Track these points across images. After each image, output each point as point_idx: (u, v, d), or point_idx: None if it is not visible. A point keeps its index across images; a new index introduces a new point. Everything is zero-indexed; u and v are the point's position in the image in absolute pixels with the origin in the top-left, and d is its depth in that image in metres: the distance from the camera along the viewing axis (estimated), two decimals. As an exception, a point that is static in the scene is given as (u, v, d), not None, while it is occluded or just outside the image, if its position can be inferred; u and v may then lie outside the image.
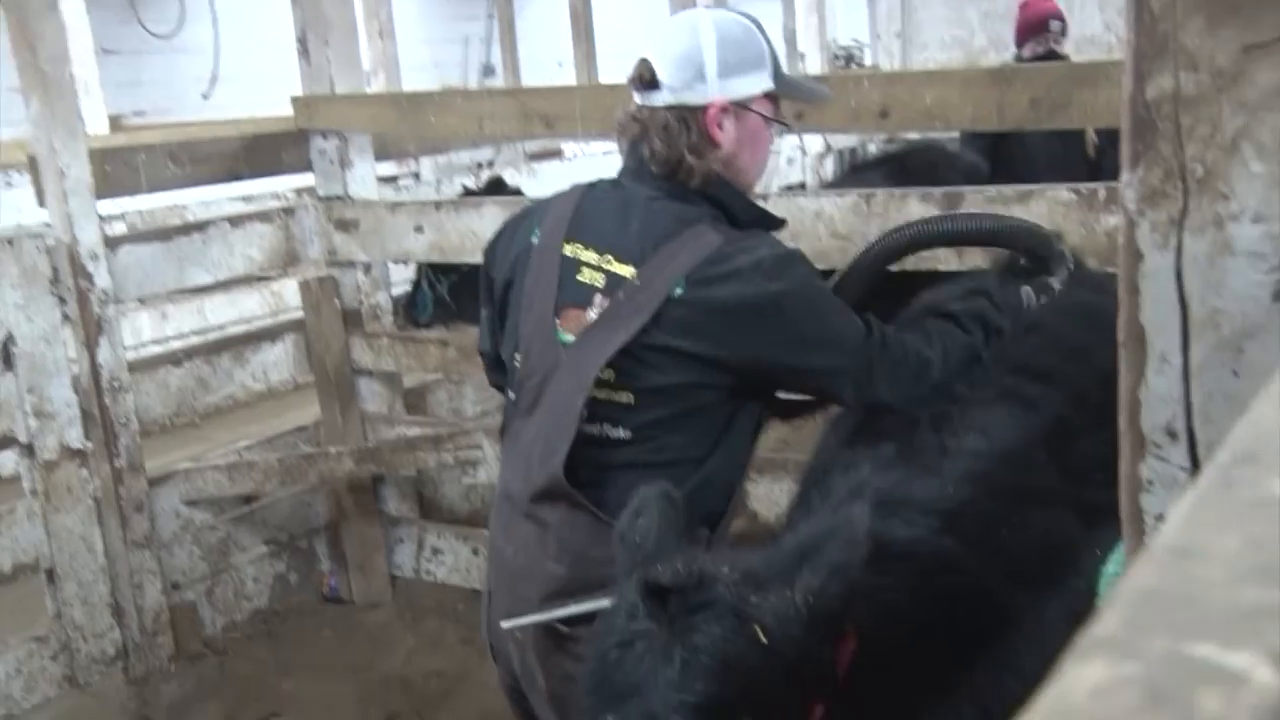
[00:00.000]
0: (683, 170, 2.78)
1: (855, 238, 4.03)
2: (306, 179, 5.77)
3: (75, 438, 4.73)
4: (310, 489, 5.73)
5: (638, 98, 2.82)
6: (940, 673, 2.13)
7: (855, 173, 8.02)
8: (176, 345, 7.72)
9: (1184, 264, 1.36)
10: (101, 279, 4.76)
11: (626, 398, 2.73)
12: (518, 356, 2.89)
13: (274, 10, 7.25)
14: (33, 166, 4.76)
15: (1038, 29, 7.13)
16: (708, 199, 2.82)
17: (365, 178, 5.64)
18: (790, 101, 3.06)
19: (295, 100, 5.51)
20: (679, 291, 2.65)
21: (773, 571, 2.05)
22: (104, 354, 4.79)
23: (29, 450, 4.63)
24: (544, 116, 4.77)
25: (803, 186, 9.54)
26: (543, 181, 7.30)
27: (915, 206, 3.95)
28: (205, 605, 5.33)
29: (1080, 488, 2.24)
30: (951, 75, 4.58)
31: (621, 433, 2.75)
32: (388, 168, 8.40)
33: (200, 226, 5.35)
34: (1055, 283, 2.93)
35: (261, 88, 10.78)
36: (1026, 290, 2.91)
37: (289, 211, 5.59)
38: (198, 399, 6.33)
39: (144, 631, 4.93)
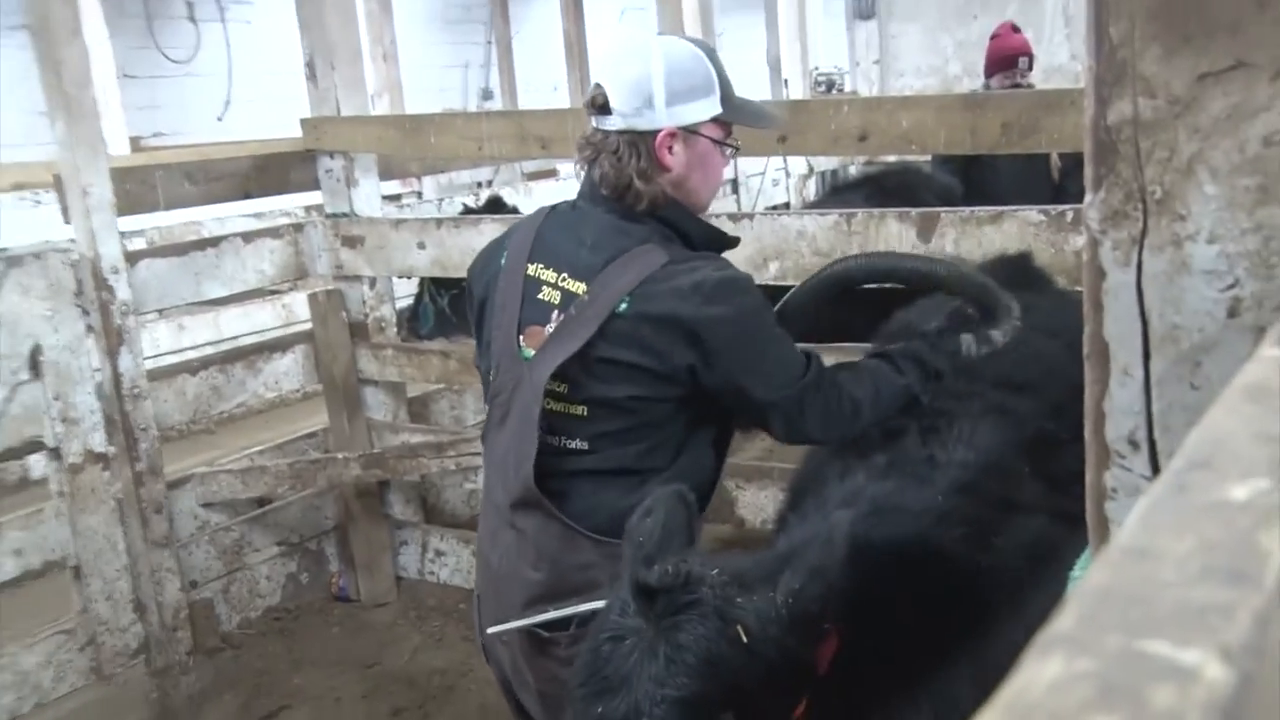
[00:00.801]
0: (630, 194, 2.75)
1: (836, 254, 4.02)
2: (315, 197, 5.79)
3: (99, 442, 4.73)
4: (320, 493, 5.72)
5: (593, 121, 2.80)
6: (925, 670, 2.14)
7: (836, 193, 8.04)
8: (193, 355, 7.71)
9: (1144, 281, 1.36)
10: (122, 292, 4.76)
11: (580, 410, 2.73)
12: (492, 372, 2.89)
13: (283, 37, 7.24)
14: (58, 186, 4.78)
15: (1006, 64, 7.18)
16: (658, 219, 2.79)
17: (370, 196, 5.65)
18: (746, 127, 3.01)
19: (303, 122, 5.52)
20: (623, 307, 2.64)
21: (760, 574, 2.06)
22: (125, 363, 4.79)
23: (56, 454, 4.64)
24: (540, 138, 4.77)
25: (787, 206, 9.54)
26: (539, 200, 7.25)
27: (893, 225, 3.96)
28: (221, 602, 5.34)
29: (1063, 497, 2.24)
30: (927, 101, 4.59)
31: (579, 444, 2.75)
32: (392, 186, 8.42)
33: (214, 242, 5.35)
34: (998, 335, 2.89)
35: (272, 110, 10.81)
36: (967, 339, 2.87)
37: (298, 228, 5.59)
38: (213, 406, 6.29)
39: (164, 626, 4.93)
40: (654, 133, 2.72)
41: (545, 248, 2.83)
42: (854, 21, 14.30)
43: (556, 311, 2.74)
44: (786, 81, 11.35)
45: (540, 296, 2.78)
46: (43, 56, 4.59)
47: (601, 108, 2.75)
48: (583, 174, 2.90)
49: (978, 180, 6.48)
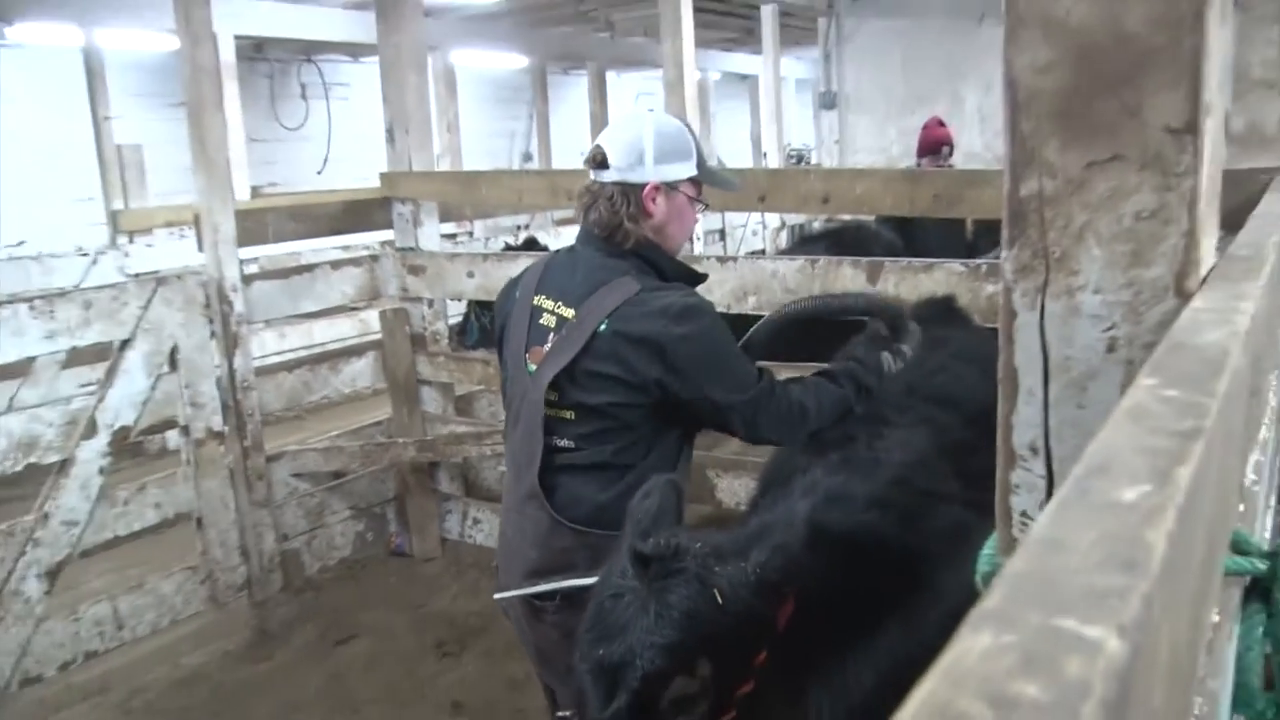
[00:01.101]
0: (620, 233, 2.74)
1: (802, 291, 4.03)
2: (388, 234, 5.78)
3: (217, 423, 4.76)
4: (383, 469, 5.72)
5: (592, 175, 2.79)
6: (864, 628, 2.12)
7: (803, 244, 8.06)
8: (289, 357, 7.73)
9: (1046, 322, 1.36)
10: (239, 306, 4.78)
11: (568, 414, 2.70)
12: (507, 383, 2.89)
13: (370, 110, 7.27)
14: (196, 224, 4.85)
15: (934, 148, 7.37)
16: (639, 257, 2.77)
17: (432, 235, 5.65)
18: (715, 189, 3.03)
19: (383, 176, 5.53)
20: (603, 327, 2.63)
21: (735, 548, 2.06)
22: (239, 361, 4.80)
23: (186, 430, 4.70)
24: (568, 191, 4.77)
25: (763, 253, 9.55)
26: (566, 240, 7.25)
27: (847, 270, 3.95)
28: (306, 552, 5.34)
29: (976, 491, 2.24)
30: (876, 174, 4.59)
31: (567, 442, 2.72)
32: (449, 227, 8.42)
33: (309, 269, 5.36)
34: (906, 350, 2.91)
35: (359, 167, 10.84)
36: (886, 357, 2.87)
37: (374, 259, 5.60)
38: (303, 398, 6.30)
39: (262, 569, 4.94)
40: (642, 185, 2.73)
41: (548, 282, 2.82)
42: (820, 110, 14.32)
43: (552, 334, 2.73)
44: (765, 154, 11.43)
45: (541, 321, 2.77)
46: (192, 128, 4.70)
47: (600, 163, 2.75)
48: (580, 218, 2.89)
49: (909, 236, 6.51)
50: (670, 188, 2.78)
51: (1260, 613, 1.22)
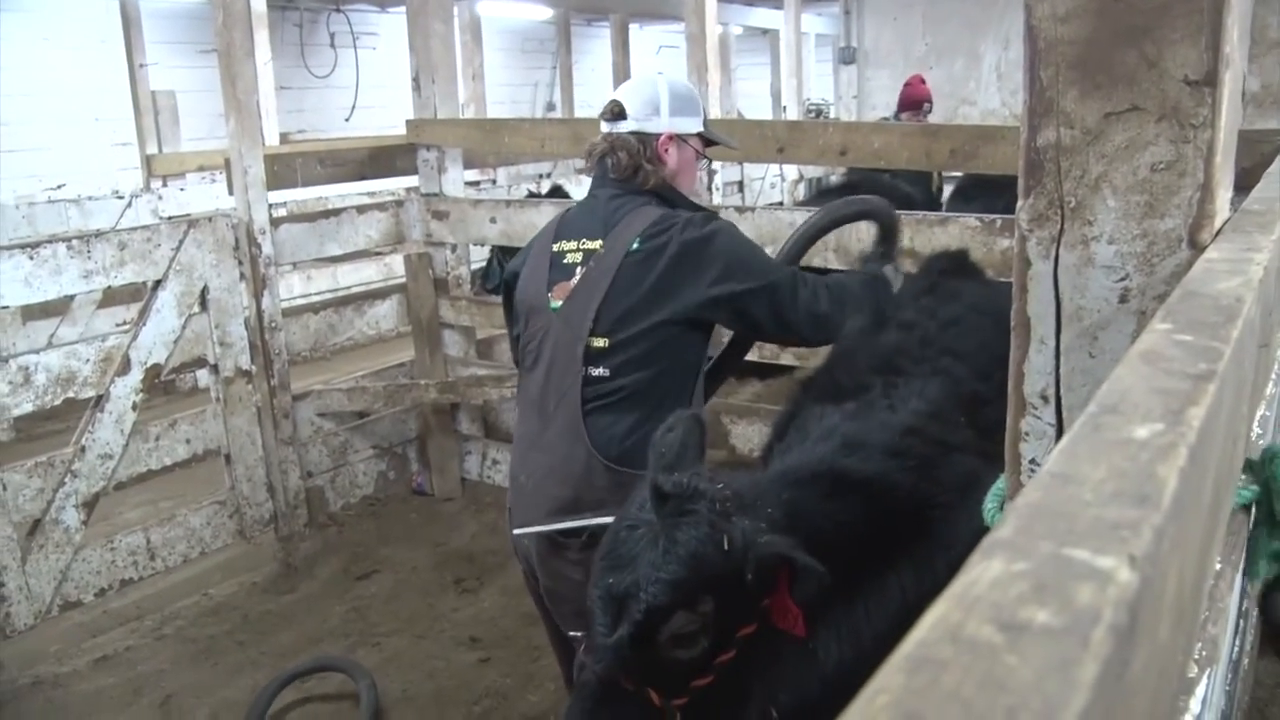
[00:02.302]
0: (640, 175, 2.83)
1: (818, 243, 4.00)
2: (413, 180, 5.76)
3: (245, 362, 4.77)
4: (406, 410, 5.72)
5: (606, 127, 2.89)
6: (876, 573, 2.12)
7: (821, 195, 8.00)
8: (315, 299, 7.74)
9: (1060, 271, 1.34)
10: (267, 248, 4.78)
11: (602, 342, 2.68)
12: (520, 328, 2.88)
13: (397, 58, 7.22)
14: (227, 168, 4.85)
15: (915, 105, 7.53)
16: (656, 195, 2.85)
17: (456, 181, 5.63)
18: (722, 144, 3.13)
19: (408, 123, 5.50)
20: (635, 246, 2.67)
21: (753, 494, 2.08)
22: (266, 303, 4.81)
23: (215, 369, 4.72)
24: (590, 140, 4.73)
25: (781, 205, 9.49)
26: (588, 188, 7.25)
27: (863, 223, 3.92)
28: (330, 490, 5.36)
29: (987, 442, 2.22)
30: (894, 128, 4.53)
31: (601, 370, 2.69)
32: (473, 174, 8.39)
33: (336, 213, 5.35)
34: (898, 266, 3.04)
35: (386, 114, 10.79)
36: (889, 269, 2.96)
37: (399, 204, 5.58)
38: (329, 339, 6.34)
39: (288, 504, 4.97)
40: (657, 135, 2.84)
41: (567, 228, 2.87)
42: (839, 66, 14.19)
43: (580, 268, 2.74)
44: (785, 108, 11.29)
45: (565, 261, 2.79)
46: (224, 72, 4.68)
47: (618, 115, 2.86)
48: (594, 168, 2.95)
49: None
50: (681, 140, 2.88)
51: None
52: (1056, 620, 0.37)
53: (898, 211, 3.15)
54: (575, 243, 2.80)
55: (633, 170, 2.83)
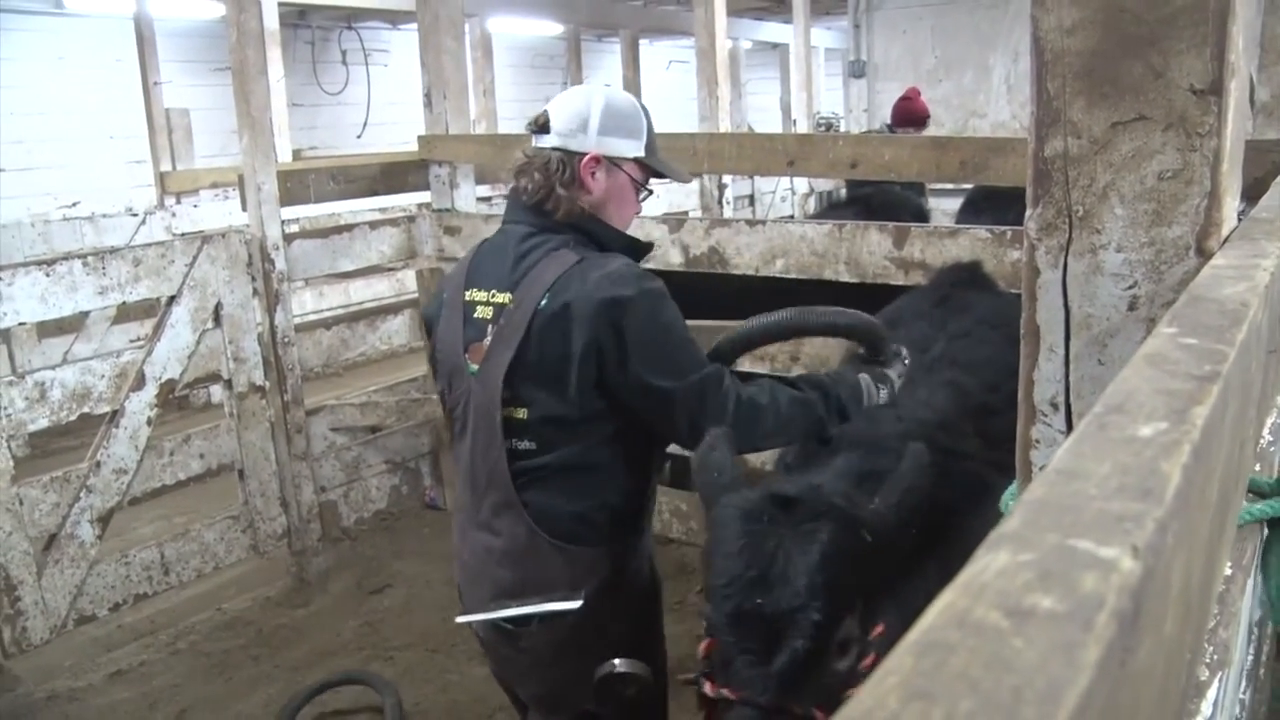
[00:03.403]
0: (551, 200, 2.45)
1: (829, 256, 4.01)
2: (425, 196, 5.79)
3: (259, 377, 4.80)
4: (418, 424, 5.74)
5: (534, 141, 2.52)
6: (912, 571, 2.11)
7: (832, 209, 8.00)
8: (328, 315, 7.79)
9: (1068, 279, 1.36)
10: (280, 264, 4.80)
11: (522, 413, 2.38)
12: (445, 390, 2.58)
13: (409, 75, 7.27)
14: (240, 184, 4.86)
15: (915, 123, 7.50)
16: (574, 229, 2.48)
17: (467, 196, 5.65)
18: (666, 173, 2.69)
19: (420, 139, 5.53)
20: (544, 303, 2.34)
21: (852, 487, 2.04)
22: (280, 318, 4.83)
23: (229, 384, 4.74)
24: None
25: (791, 218, 9.50)
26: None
27: (874, 235, 3.93)
28: (343, 504, 5.38)
29: (996, 451, 2.21)
30: (904, 140, 4.55)
31: (527, 444, 2.39)
32: (484, 190, 8.41)
33: (348, 229, 5.38)
34: (893, 375, 2.56)
35: (397, 131, 10.85)
36: (864, 377, 2.51)
37: (411, 219, 5.61)
38: (341, 354, 6.36)
39: (301, 519, 4.99)
40: (581, 155, 2.46)
41: (477, 273, 2.52)
42: (849, 79, 14.24)
43: (491, 325, 2.42)
44: (795, 121, 11.31)
45: (476, 315, 2.46)
46: (237, 90, 4.72)
47: (542, 127, 2.49)
48: (510, 189, 2.62)
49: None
50: (613, 164, 2.50)
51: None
52: (1061, 606, 0.38)
53: (876, 322, 2.62)
54: (486, 294, 2.47)
55: (545, 194, 2.46)
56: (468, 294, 2.49)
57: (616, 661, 2.37)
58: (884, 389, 2.52)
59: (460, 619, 2.53)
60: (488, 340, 2.41)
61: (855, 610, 1.84)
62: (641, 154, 2.54)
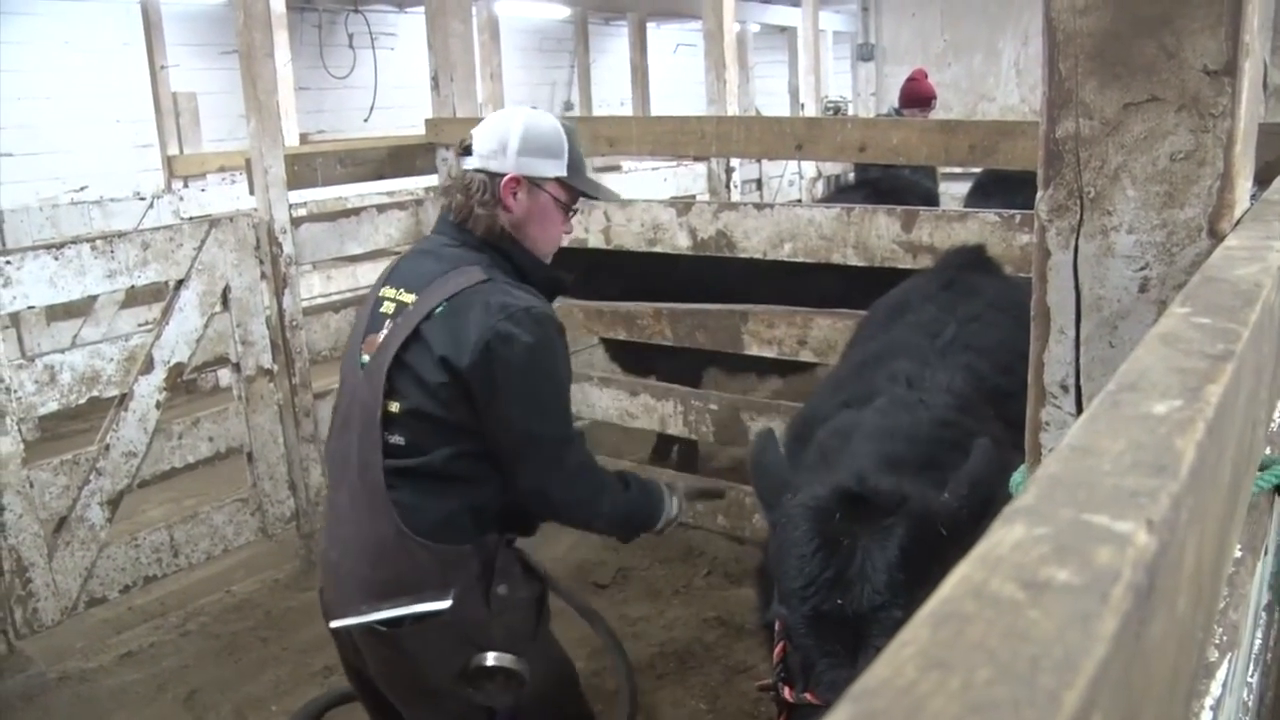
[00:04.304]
0: (471, 219, 2.57)
1: (837, 240, 4.01)
2: (432, 180, 5.79)
3: (267, 361, 4.80)
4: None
5: (460, 163, 2.65)
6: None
7: (840, 193, 7.99)
8: (336, 298, 7.78)
9: (1079, 261, 1.35)
10: (288, 247, 4.80)
11: (395, 406, 2.43)
12: (340, 388, 2.66)
13: (416, 58, 7.26)
14: (248, 168, 4.86)
15: (921, 103, 7.57)
16: (495, 250, 2.58)
17: (476, 181, 5.64)
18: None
19: (427, 122, 5.53)
20: (438, 310, 2.42)
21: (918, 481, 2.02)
22: (287, 302, 4.84)
23: (237, 368, 4.74)
24: (608, 139, 4.75)
25: (799, 202, 9.48)
26: (609, 187, 7.27)
27: (882, 218, 3.93)
28: (351, 486, 5.38)
29: (1015, 433, 2.21)
30: (912, 124, 4.53)
31: (397, 439, 2.43)
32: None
33: (356, 212, 5.37)
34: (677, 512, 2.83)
35: (404, 114, 10.84)
36: (677, 499, 2.82)
37: (418, 203, 5.59)
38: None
39: (309, 501, 5.00)
40: (502, 175, 2.56)
41: (398, 273, 2.61)
42: (857, 63, 14.18)
43: (389, 320, 2.50)
44: (803, 105, 11.27)
45: (381, 310, 2.55)
46: (244, 73, 4.70)
47: (466, 150, 2.62)
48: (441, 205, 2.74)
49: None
50: (534, 185, 2.59)
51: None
52: (1077, 578, 0.38)
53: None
54: (395, 291, 2.55)
55: (466, 214, 2.58)
56: (382, 290, 2.59)
57: (488, 655, 2.42)
58: (678, 510, 2.80)
59: (334, 624, 2.52)
60: (383, 334, 2.49)
61: None
62: (564, 174, 2.62)
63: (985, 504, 1.91)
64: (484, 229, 2.57)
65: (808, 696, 1.83)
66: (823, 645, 1.80)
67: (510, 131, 2.58)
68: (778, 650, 1.95)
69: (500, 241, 2.59)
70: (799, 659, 1.87)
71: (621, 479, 2.69)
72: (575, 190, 2.68)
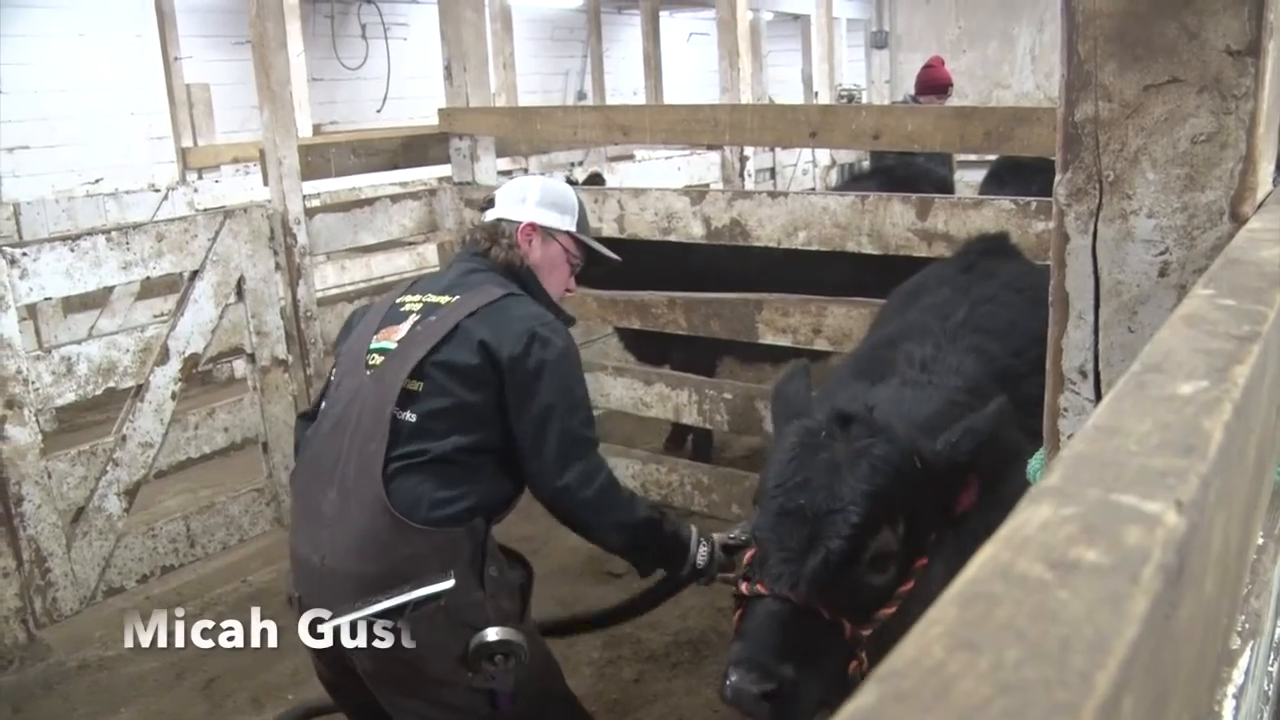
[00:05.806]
0: (494, 250, 2.83)
1: (851, 228, 3.99)
2: (446, 170, 5.78)
3: (281, 351, 4.81)
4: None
5: (482, 216, 2.98)
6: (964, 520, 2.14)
7: (855, 181, 7.95)
8: (350, 289, 7.80)
9: (1098, 245, 1.34)
10: (302, 238, 4.82)
11: (416, 385, 2.53)
12: (330, 387, 2.73)
13: (429, 48, 7.25)
14: (262, 159, 4.88)
15: (938, 90, 7.59)
16: (514, 278, 2.80)
17: (488, 169, 5.63)
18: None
19: (441, 112, 5.51)
20: (484, 308, 2.60)
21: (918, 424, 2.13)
22: (302, 292, 4.85)
23: (252, 358, 4.75)
24: (622, 127, 4.73)
25: (813, 190, 9.45)
26: (619, 177, 7.26)
27: (897, 207, 3.91)
28: (366, 476, 5.39)
29: (1027, 417, 2.21)
30: (927, 111, 4.51)
31: (409, 415, 2.51)
32: (505, 163, 8.40)
33: (369, 203, 5.38)
34: (706, 566, 2.78)
35: (417, 104, 10.84)
36: (705, 550, 2.77)
37: (432, 193, 5.60)
38: (365, 329, 6.37)
39: (323, 493, 5.01)
40: (518, 223, 2.86)
41: (420, 285, 2.84)
42: (871, 50, 14.13)
43: (415, 316, 2.64)
44: (816, 94, 11.24)
45: (402, 309, 2.70)
46: (257, 64, 4.72)
47: (489, 204, 2.97)
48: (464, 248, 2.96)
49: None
50: (548, 234, 2.89)
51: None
52: (1106, 559, 0.37)
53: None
54: (418, 297, 2.72)
55: (489, 248, 2.84)
56: (398, 299, 2.77)
57: (489, 631, 2.45)
58: (708, 564, 2.78)
59: (331, 622, 2.43)
60: (405, 326, 2.63)
61: (896, 526, 1.91)
62: (573, 229, 2.94)
63: (971, 453, 2.00)
64: (505, 260, 2.83)
65: (759, 587, 1.94)
66: (780, 541, 1.91)
67: (530, 187, 2.95)
68: (749, 554, 2.08)
69: (518, 270, 2.84)
70: (760, 555, 1.99)
71: (651, 506, 2.76)
72: (582, 246, 2.97)
